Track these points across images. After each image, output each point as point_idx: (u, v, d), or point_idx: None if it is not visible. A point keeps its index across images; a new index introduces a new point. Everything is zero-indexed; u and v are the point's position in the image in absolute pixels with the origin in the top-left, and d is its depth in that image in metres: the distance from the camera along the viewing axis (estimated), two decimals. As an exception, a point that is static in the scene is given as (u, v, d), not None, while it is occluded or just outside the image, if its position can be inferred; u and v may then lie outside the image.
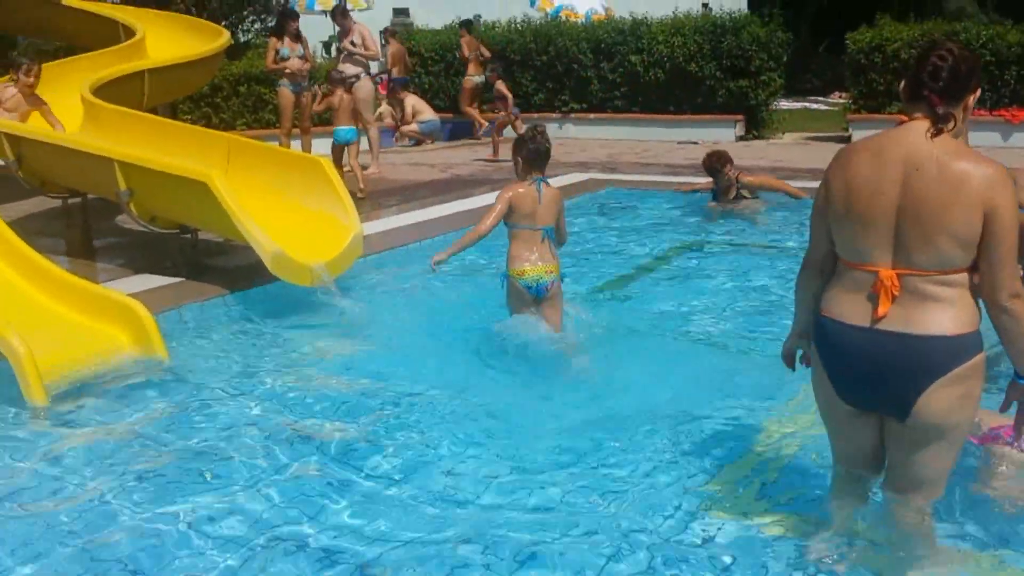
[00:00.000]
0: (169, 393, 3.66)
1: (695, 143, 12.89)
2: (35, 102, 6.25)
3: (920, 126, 2.15)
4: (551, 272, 4.33)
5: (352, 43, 10.06)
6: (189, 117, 12.68)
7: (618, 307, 5.10)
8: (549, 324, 4.28)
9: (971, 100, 2.21)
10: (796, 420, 3.34)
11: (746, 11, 16.74)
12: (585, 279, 5.53)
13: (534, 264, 4.29)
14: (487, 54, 14.43)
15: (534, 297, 4.31)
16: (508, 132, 12.19)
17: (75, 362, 3.53)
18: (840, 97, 18.15)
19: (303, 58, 10.09)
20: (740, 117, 13.18)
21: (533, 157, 4.32)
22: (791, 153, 11.51)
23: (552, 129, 14.25)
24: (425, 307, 4.94)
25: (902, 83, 2.27)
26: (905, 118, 2.21)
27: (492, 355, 4.17)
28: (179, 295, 4.81)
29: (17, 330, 3.44)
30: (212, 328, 4.51)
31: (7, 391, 3.48)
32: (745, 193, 7.44)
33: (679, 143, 13.00)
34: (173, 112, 12.28)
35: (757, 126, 13.44)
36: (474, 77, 14.24)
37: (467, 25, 14.78)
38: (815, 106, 19.80)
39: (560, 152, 12.34)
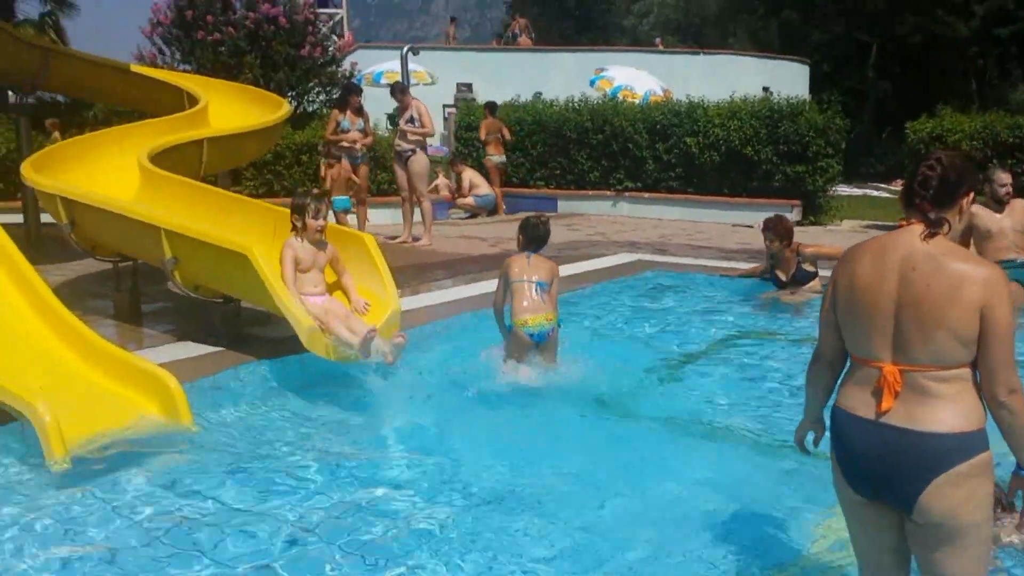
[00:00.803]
0: (192, 463, 3.63)
1: (750, 227, 12.76)
2: (327, 251, 5.01)
3: (916, 228, 2.30)
4: (550, 320, 5.03)
5: (411, 119, 10.22)
6: (252, 184, 13.01)
7: (660, 397, 4.94)
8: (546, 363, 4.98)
9: (965, 203, 2.35)
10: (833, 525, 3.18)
11: (806, 96, 16.72)
12: (627, 365, 5.39)
13: (535, 314, 4.94)
14: (508, 136, 14.70)
15: (536, 344, 4.92)
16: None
17: (100, 428, 3.53)
18: (901, 184, 17.93)
19: (363, 131, 10.32)
20: (797, 202, 13.03)
21: (531, 238, 5.27)
22: (848, 240, 11.23)
23: (605, 207, 14.53)
24: (459, 384, 4.87)
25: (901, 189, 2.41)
26: (905, 223, 2.36)
27: (526, 434, 4.09)
28: (217, 363, 4.82)
29: (45, 392, 3.46)
30: (244, 398, 4.50)
31: (30, 453, 3.48)
32: (807, 266, 7.21)
33: (734, 226, 12.89)
34: (236, 179, 12.64)
35: (815, 211, 13.28)
36: (493, 157, 14.60)
37: (490, 107, 15.12)
38: (876, 193, 19.58)
39: (611, 230, 12.37)
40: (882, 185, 20.89)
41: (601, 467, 3.83)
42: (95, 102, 13.03)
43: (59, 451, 3.29)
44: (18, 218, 9.01)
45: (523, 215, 14.32)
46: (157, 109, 9.39)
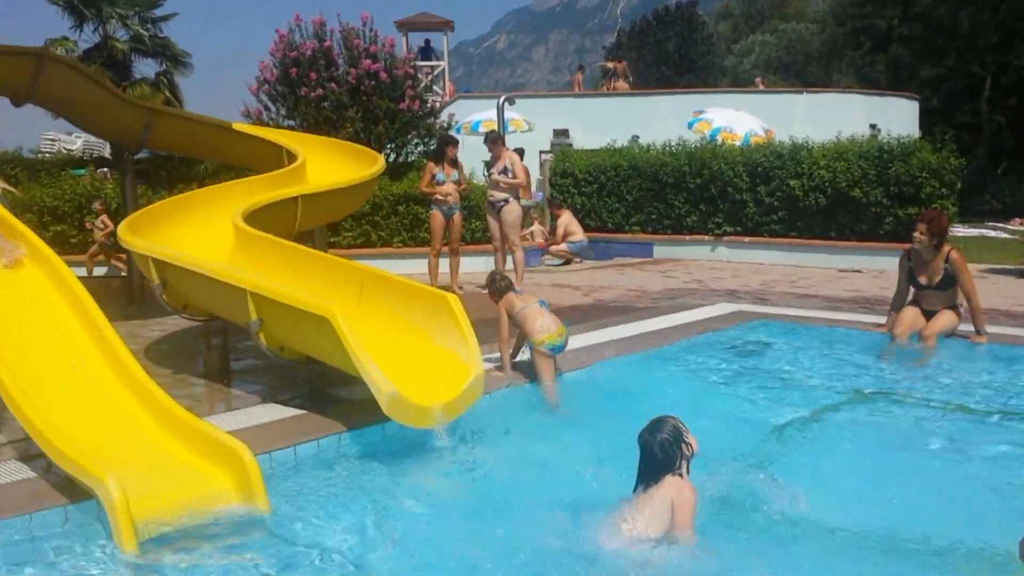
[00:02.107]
0: (265, 547, 3.50)
1: (859, 271, 12.21)
2: None
3: None
4: (562, 333, 5.71)
5: (504, 169, 10.18)
6: (350, 235, 13.24)
7: (753, 475, 4.32)
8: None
9: None
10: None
11: (916, 135, 16.01)
12: (719, 435, 4.87)
13: (549, 331, 5.65)
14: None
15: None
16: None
17: (171, 507, 3.45)
18: (1022, 224, 16.91)
19: (457, 183, 10.35)
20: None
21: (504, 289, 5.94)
22: (966, 287, 10.62)
23: (703, 252, 14.17)
24: (543, 454, 4.65)
25: None
26: None
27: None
28: (298, 430, 4.73)
29: (115, 464, 3.42)
30: (323, 470, 4.37)
31: (95, 529, 3.43)
32: (949, 268, 6.72)
33: (841, 271, 12.34)
34: (335, 229, 12.86)
35: (928, 255, 12.58)
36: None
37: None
38: (993, 233, 18.52)
39: (709, 276, 11.99)
40: (999, 224, 19.76)
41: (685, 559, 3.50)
42: (199, 159, 13.48)
43: (127, 532, 3.22)
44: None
45: (618, 261, 14.27)
46: (258, 165, 9.62)
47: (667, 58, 48.14)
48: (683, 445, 3.57)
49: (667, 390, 5.35)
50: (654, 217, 15.09)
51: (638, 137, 20.50)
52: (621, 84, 27.64)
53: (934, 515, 3.87)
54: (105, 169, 17.40)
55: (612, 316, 8.51)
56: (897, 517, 3.83)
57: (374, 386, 4.36)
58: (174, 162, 15.34)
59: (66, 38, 24.61)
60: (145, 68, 25.95)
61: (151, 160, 14.92)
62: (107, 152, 21.32)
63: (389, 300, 5.30)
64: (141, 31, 25.12)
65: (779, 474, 4.14)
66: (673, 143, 15.41)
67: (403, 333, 5.15)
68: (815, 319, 8.03)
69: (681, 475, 3.53)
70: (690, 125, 19.50)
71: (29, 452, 4.14)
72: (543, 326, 5.63)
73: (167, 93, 25.25)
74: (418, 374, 4.83)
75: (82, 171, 17.95)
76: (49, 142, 25.40)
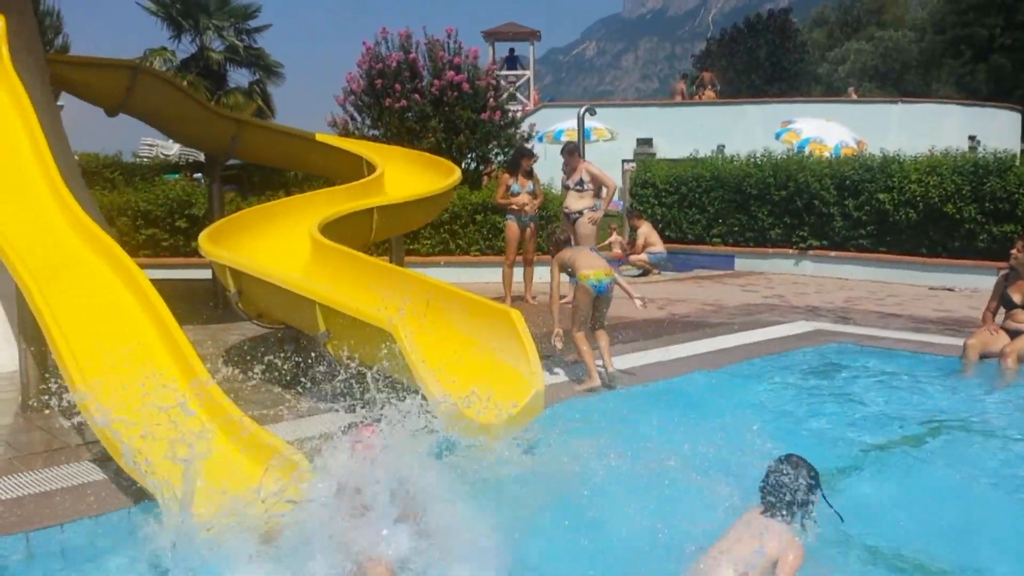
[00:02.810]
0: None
1: (950, 290, 11.76)
2: None
3: None
4: (609, 274, 6.21)
5: (580, 182, 10.15)
6: (428, 242, 13.41)
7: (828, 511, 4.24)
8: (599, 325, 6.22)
9: None
10: None
11: (1017, 148, 15.34)
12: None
13: (596, 269, 6.12)
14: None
15: (597, 295, 6.10)
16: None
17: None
18: None
19: (532, 194, 10.38)
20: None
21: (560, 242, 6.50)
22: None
23: (786, 265, 13.86)
24: (605, 473, 4.59)
25: None
26: None
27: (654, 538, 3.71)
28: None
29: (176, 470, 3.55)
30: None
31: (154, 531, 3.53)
32: None
33: (931, 289, 11.90)
34: (414, 237, 13.04)
35: (1025, 274, 12.02)
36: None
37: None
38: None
39: (791, 291, 11.71)
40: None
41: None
42: (284, 169, 13.85)
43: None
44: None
45: (698, 273, 14.06)
46: (340, 174, 9.86)
47: (758, 66, 47.32)
48: (813, 496, 3.46)
49: (729, 412, 5.23)
50: (736, 229, 14.83)
51: (724, 147, 20.22)
52: (708, 93, 27.30)
53: (993, 547, 3.70)
54: (199, 174, 18.00)
55: (685, 332, 8.39)
56: (958, 547, 3.68)
57: (432, 400, 4.41)
58: (265, 168, 15.79)
59: (164, 48, 25.65)
60: (239, 77, 26.86)
61: (243, 166, 15.37)
62: (202, 157, 22.16)
63: (454, 314, 5.36)
64: (236, 42, 25.99)
65: (842, 504, 3.99)
66: (759, 154, 15.12)
67: (467, 347, 5.19)
68: (896, 341, 7.76)
69: (790, 527, 3.38)
70: (778, 135, 19.13)
71: (103, 454, 4.31)
72: (589, 263, 6.13)
73: (260, 102, 26.04)
74: (479, 388, 4.85)
75: (176, 175, 18.66)
76: (147, 147, 26.43)
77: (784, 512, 3.40)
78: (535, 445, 4.81)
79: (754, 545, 3.31)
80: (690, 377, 6.45)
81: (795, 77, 47.49)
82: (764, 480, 3.51)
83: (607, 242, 15.03)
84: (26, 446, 4.77)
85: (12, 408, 5.48)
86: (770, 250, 14.35)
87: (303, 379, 6.28)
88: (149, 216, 13.56)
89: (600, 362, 6.16)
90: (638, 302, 6.40)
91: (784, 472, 3.45)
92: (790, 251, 14.09)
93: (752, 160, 15.00)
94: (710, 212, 15.08)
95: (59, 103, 17.53)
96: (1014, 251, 6.83)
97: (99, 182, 16.57)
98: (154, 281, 9.64)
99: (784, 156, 15.05)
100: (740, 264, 14.62)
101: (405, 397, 3.96)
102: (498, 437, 4.52)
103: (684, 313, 9.83)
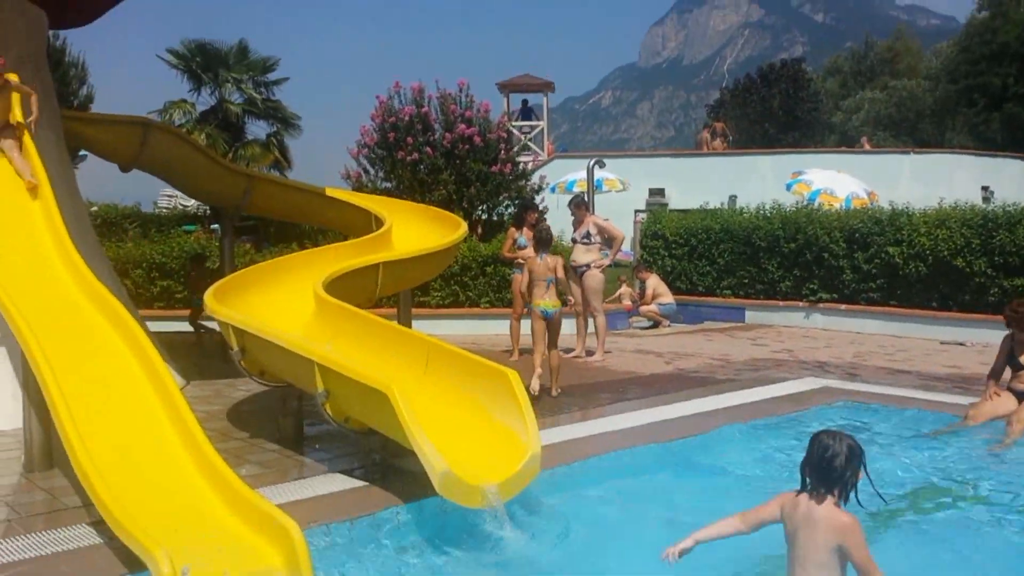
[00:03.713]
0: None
1: (961, 344, 11.67)
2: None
3: None
4: (555, 305, 8.03)
5: (587, 235, 10.21)
6: (439, 294, 13.46)
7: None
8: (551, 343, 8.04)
9: None
10: None
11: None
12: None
13: (543, 299, 8.00)
14: None
15: (546, 320, 7.98)
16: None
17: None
18: None
19: (539, 246, 10.41)
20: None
21: (540, 242, 8.27)
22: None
23: (797, 318, 13.81)
24: (603, 535, 4.57)
25: None
26: None
27: None
28: (357, 502, 4.81)
29: (168, 535, 3.54)
30: (376, 545, 4.40)
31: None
32: None
33: (942, 343, 11.82)
34: (425, 290, 13.11)
35: (1037, 329, 11.93)
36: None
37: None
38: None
39: (800, 345, 11.66)
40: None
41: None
42: (294, 222, 14.00)
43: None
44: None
45: (708, 325, 14.04)
46: (349, 228, 9.96)
47: (772, 115, 47.60)
48: (858, 470, 3.38)
49: (726, 473, 5.19)
50: (746, 281, 14.84)
51: (736, 197, 20.31)
52: (717, 144, 27.44)
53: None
54: (216, 226, 18.23)
55: (689, 387, 8.36)
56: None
57: (427, 463, 4.40)
58: (281, 220, 15.98)
59: (184, 100, 26.13)
60: (257, 129, 27.28)
61: (259, 218, 15.55)
62: (219, 208, 22.46)
63: (453, 373, 5.35)
64: (255, 94, 26.45)
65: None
66: (769, 205, 15.17)
67: (464, 407, 5.19)
68: (903, 399, 7.69)
69: (838, 505, 3.34)
70: (788, 187, 19.21)
71: (96, 518, 4.32)
72: (540, 294, 7.99)
73: (277, 154, 26.42)
74: (475, 451, 4.85)
75: (195, 227, 18.91)
76: (167, 198, 26.88)
77: (832, 490, 3.34)
78: (532, 510, 4.80)
79: (820, 541, 3.27)
80: (698, 438, 6.40)
81: (809, 126, 47.72)
82: (810, 463, 3.41)
83: (616, 294, 15.06)
84: (26, 507, 4.79)
85: (15, 467, 5.51)
86: (781, 303, 14.32)
87: (303, 438, 6.33)
88: (164, 268, 13.71)
89: (540, 382, 7.77)
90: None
91: (830, 451, 3.35)
92: (800, 304, 14.07)
93: (761, 212, 15.05)
94: (720, 264, 15.10)
95: (82, 153, 17.89)
96: (1009, 309, 6.71)
97: (117, 233, 16.83)
98: (166, 334, 9.79)
99: (793, 208, 15.10)
100: (751, 316, 14.59)
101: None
102: (492, 502, 4.49)
103: (691, 368, 9.80)
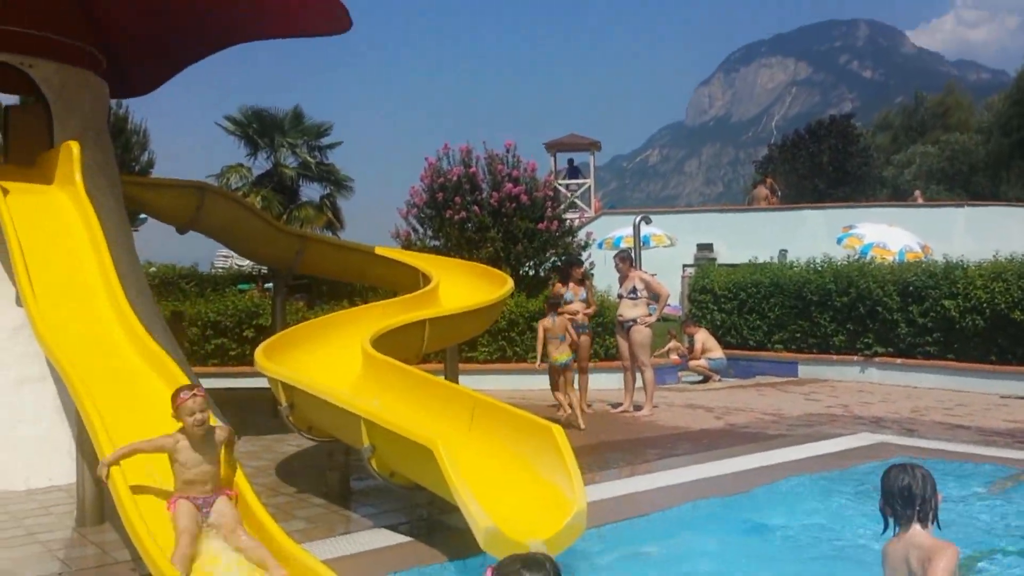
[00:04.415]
0: None
1: (1022, 398, 11.32)
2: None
3: None
4: (568, 355, 9.48)
5: (634, 290, 10.21)
6: (486, 350, 13.49)
7: None
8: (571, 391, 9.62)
9: None
10: None
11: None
12: None
13: (559, 352, 9.43)
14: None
15: (563, 368, 9.49)
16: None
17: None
18: None
19: (585, 302, 10.44)
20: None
21: (550, 306, 9.64)
22: None
23: (853, 373, 13.54)
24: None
25: None
26: None
27: None
28: (402, 558, 4.81)
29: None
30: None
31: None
32: None
33: (1002, 397, 11.48)
34: (472, 345, 13.16)
35: (1102, 382, 11.56)
36: None
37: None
38: None
39: (856, 400, 11.41)
40: None
41: None
42: (345, 281, 14.21)
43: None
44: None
45: (760, 380, 13.82)
46: (398, 286, 10.10)
47: (821, 170, 47.20)
48: (936, 493, 3.38)
49: (778, 530, 5.07)
50: (798, 335, 14.62)
51: (786, 252, 20.12)
52: (764, 199, 27.31)
53: None
54: (270, 284, 18.58)
55: (741, 443, 8.22)
56: None
57: (471, 519, 4.39)
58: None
59: (241, 165, 26.91)
60: (311, 192, 27.93)
61: (312, 277, 15.82)
62: (272, 269, 22.96)
63: (497, 429, 5.36)
64: (308, 158, 27.16)
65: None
66: (819, 259, 15.01)
67: (509, 463, 5.17)
68: (963, 455, 7.47)
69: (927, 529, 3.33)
70: (839, 240, 19.01)
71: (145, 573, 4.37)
72: (555, 349, 9.43)
73: (330, 215, 26.98)
74: (520, 507, 4.82)
75: (249, 285, 19.29)
76: (222, 258, 27.52)
77: (921, 518, 3.31)
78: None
79: (939, 570, 3.16)
80: (749, 495, 6.28)
81: (859, 180, 47.20)
82: (889, 499, 3.39)
83: (664, 348, 14.95)
84: (77, 561, 4.88)
85: (68, 522, 5.61)
86: (834, 357, 14.06)
87: (350, 493, 6.35)
88: (218, 326, 13.97)
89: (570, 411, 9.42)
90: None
91: (905, 480, 3.36)
92: (855, 358, 13.79)
93: (812, 266, 14.88)
94: (771, 318, 14.92)
95: (142, 216, 18.43)
96: None
97: (175, 292, 17.23)
98: (220, 390, 9.93)
99: (845, 262, 14.90)
100: (803, 371, 14.34)
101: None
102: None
103: (742, 423, 9.64)
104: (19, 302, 6.45)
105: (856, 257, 16.36)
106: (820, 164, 47.32)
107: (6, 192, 6.73)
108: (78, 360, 5.38)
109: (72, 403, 5.41)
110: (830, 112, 64.28)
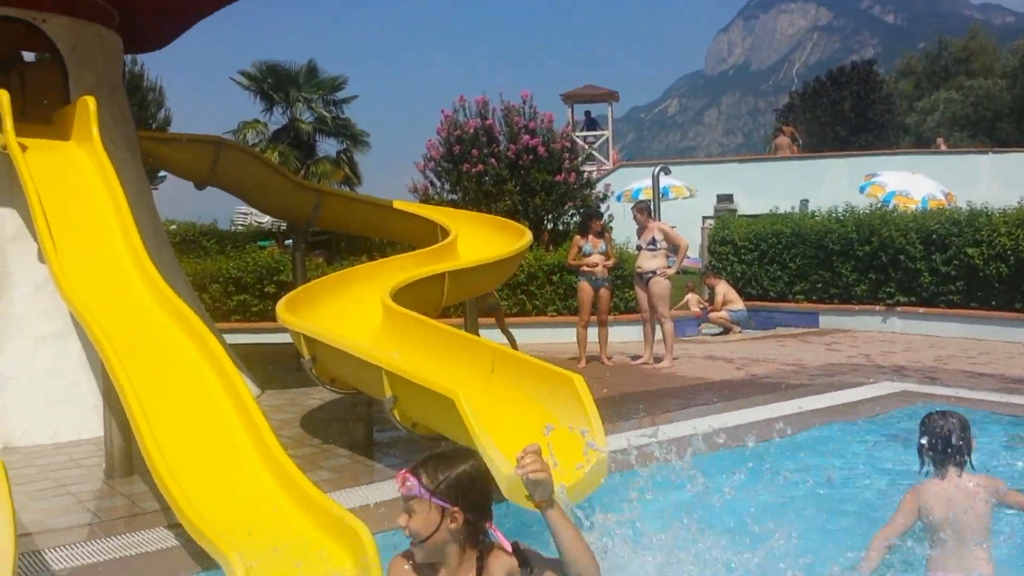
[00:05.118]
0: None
1: (1048, 346, 11.22)
2: None
3: None
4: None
5: (653, 241, 10.14)
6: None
7: None
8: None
9: None
10: None
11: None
12: (854, 532, 4.38)
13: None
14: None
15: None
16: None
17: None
18: None
19: (604, 255, 10.40)
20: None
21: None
22: None
23: (873, 323, 13.46)
24: (666, 548, 4.49)
25: None
26: None
27: None
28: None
29: (243, 537, 3.61)
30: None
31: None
32: None
33: (1026, 346, 11.39)
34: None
35: None
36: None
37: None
38: None
39: (878, 350, 11.35)
40: None
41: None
42: (364, 236, 14.21)
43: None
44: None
45: (780, 331, 13.77)
46: (416, 240, 10.06)
47: (843, 118, 46.61)
48: (972, 438, 3.65)
49: (802, 478, 5.05)
50: (820, 286, 14.51)
51: (807, 201, 19.92)
52: (787, 148, 26.95)
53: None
54: (289, 241, 18.62)
55: (762, 393, 8.21)
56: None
57: (493, 467, 4.40)
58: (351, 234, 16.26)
59: (257, 120, 26.83)
60: (328, 147, 27.84)
61: (331, 233, 15.84)
62: (290, 225, 22.99)
63: (518, 379, 5.36)
64: (324, 113, 27.02)
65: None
66: (842, 208, 14.84)
67: (530, 412, 5.18)
68: (986, 403, 7.43)
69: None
70: (862, 189, 18.79)
71: (173, 521, 4.44)
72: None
73: (347, 170, 26.91)
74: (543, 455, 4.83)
75: (269, 242, 19.34)
76: (242, 215, 27.53)
77: (959, 461, 3.59)
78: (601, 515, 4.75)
79: (981, 509, 3.48)
80: (770, 443, 6.27)
81: (882, 128, 46.57)
82: (931, 443, 3.62)
83: (683, 301, 14.90)
84: (107, 512, 4.96)
85: (97, 474, 5.71)
86: (856, 307, 13.97)
87: (377, 442, 6.41)
88: (240, 282, 14.02)
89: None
90: None
91: (944, 426, 3.60)
92: (877, 308, 13.69)
93: (833, 215, 14.72)
94: (792, 268, 14.81)
95: (161, 174, 18.39)
96: None
97: (195, 250, 17.30)
98: (243, 345, 10.02)
99: (867, 211, 14.73)
100: (825, 321, 14.27)
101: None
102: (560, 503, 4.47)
103: (763, 374, 9.62)
104: (41, 259, 6.50)
105: (878, 205, 16.16)
106: (842, 112, 46.70)
107: (24, 148, 6.73)
108: (101, 315, 5.42)
109: (97, 358, 5.47)
110: (852, 58, 63.18)
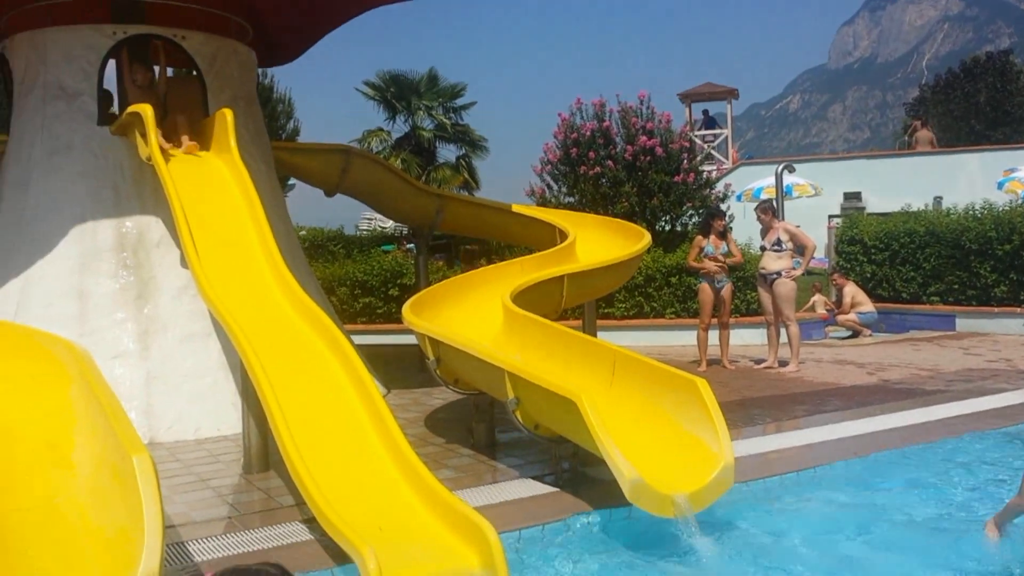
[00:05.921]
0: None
1: None
2: None
3: None
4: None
5: (778, 241, 9.90)
6: (623, 306, 13.43)
7: None
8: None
9: None
10: None
11: None
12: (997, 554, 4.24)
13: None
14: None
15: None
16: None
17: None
18: None
19: (727, 255, 10.23)
20: None
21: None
22: None
23: (1016, 326, 12.74)
24: (789, 559, 4.39)
25: None
26: None
27: None
28: (549, 507, 4.89)
29: (374, 533, 3.72)
30: (566, 551, 4.45)
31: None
32: None
33: None
34: (609, 301, 13.13)
35: None
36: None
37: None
38: None
39: (1019, 354, 10.75)
40: None
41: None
42: (482, 238, 14.42)
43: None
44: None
45: (914, 335, 13.19)
46: (535, 243, 10.14)
47: (978, 111, 44.17)
48: None
49: (935, 489, 4.86)
50: (956, 287, 13.84)
51: (941, 199, 19.03)
52: (929, 143, 25.67)
53: None
54: (411, 245, 19.07)
55: (896, 399, 7.89)
56: None
57: (617, 471, 4.41)
58: (471, 238, 16.54)
59: (380, 128, 27.62)
60: (447, 153, 28.39)
61: (451, 237, 16.15)
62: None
63: (640, 382, 5.33)
64: (444, 120, 27.57)
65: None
66: (979, 205, 14.11)
67: (652, 416, 5.15)
68: None
69: None
70: (1000, 185, 17.86)
71: (313, 516, 4.62)
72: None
73: (466, 175, 27.38)
74: (665, 460, 4.80)
75: (392, 246, 19.87)
76: (367, 220, 28.39)
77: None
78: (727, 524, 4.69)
79: None
80: (904, 451, 6.05)
81: (1020, 121, 43.87)
82: None
83: (810, 303, 14.47)
84: (245, 506, 5.21)
85: (235, 469, 6.00)
86: (996, 309, 13.26)
87: (499, 443, 6.50)
88: (365, 285, 14.45)
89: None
90: None
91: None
92: (1019, 310, 12.96)
93: (971, 213, 14.01)
94: (926, 269, 14.18)
95: (291, 182, 19.12)
96: None
97: (324, 255, 17.96)
98: (368, 347, 10.33)
99: (1007, 208, 13.95)
100: (962, 324, 13.59)
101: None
102: (682, 512, 4.43)
103: (896, 379, 9.25)
104: (183, 264, 6.87)
105: (1019, 202, 15.30)
106: (977, 104, 44.30)
107: (168, 159, 7.13)
108: (241, 317, 5.68)
109: (236, 358, 5.75)
110: (986, 48, 59.90)
